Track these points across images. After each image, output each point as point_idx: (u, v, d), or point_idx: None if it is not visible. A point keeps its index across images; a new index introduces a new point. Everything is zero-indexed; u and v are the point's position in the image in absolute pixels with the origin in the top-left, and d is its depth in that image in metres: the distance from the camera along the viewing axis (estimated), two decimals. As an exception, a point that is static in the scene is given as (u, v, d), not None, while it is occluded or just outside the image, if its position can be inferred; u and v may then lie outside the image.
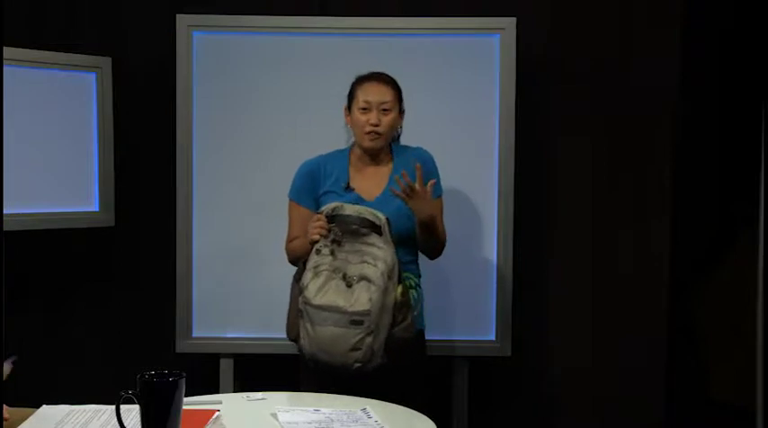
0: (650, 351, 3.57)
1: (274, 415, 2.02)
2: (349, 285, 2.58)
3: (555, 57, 3.58)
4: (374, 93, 2.78)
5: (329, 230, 2.64)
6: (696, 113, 3.52)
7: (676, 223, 3.56)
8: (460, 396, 3.51)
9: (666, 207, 3.56)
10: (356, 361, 2.56)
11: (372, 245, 2.63)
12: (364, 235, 2.64)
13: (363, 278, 2.59)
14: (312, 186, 2.83)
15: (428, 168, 2.84)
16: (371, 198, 2.79)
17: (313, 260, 2.63)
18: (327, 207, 2.69)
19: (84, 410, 1.98)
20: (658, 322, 3.58)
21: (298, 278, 2.71)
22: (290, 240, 2.87)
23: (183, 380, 1.72)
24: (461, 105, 3.42)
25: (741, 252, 3.48)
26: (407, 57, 3.34)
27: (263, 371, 3.46)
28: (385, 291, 2.58)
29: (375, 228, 2.64)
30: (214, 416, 1.99)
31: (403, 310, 2.65)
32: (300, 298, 2.62)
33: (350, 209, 2.66)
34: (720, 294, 3.54)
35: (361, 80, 2.84)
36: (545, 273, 3.64)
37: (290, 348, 3.36)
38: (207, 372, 3.51)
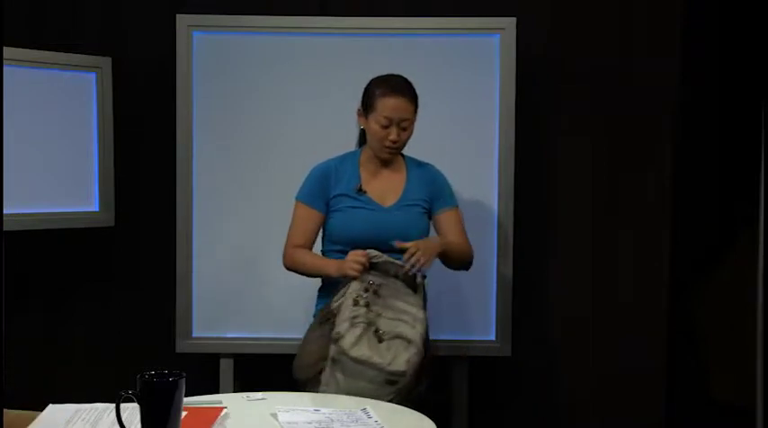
0: (650, 351, 3.57)
1: (274, 415, 2.02)
2: (380, 341, 2.51)
3: (555, 57, 3.58)
4: (396, 110, 2.71)
5: (368, 273, 2.59)
6: (696, 114, 3.52)
7: (676, 223, 3.56)
8: (460, 396, 3.51)
9: (666, 207, 3.56)
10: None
11: (409, 303, 2.59)
12: (400, 291, 2.60)
13: (399, 336, 2.52)
14: (324, 189, 2.80)
15: (438, 185, 2.86)
16: (386, 204, 2.79)
17: (349, 310, 2.53)
18: (370, 252, 2.63)
19: (93, 408, 1.97)
20: (658, 322, 3.58)
21: (322, 321, 2.64)
22: (292, 244, 2.82)
23: (183, 380, 1.72)
24: (461, 105, 3.42)
25: (741, 252, 3.48)
26: (407, 57, 3.33)
27: (263, 371, 3.46)
28: (420, 354, 2.52)
29: (412, 285, 2.62)
30: (222, 414, 1.98)
31: (427, 369, 2.61)
32: (335, 347, 2.50)
33: (387, 259, 2.63)
34: (720, 294, 3.54)
35: (382, 91, 2.73)
36: (545, 273, 3.64)
37: (290, 348, 3.36)
38: (207, 372, 3.51)
